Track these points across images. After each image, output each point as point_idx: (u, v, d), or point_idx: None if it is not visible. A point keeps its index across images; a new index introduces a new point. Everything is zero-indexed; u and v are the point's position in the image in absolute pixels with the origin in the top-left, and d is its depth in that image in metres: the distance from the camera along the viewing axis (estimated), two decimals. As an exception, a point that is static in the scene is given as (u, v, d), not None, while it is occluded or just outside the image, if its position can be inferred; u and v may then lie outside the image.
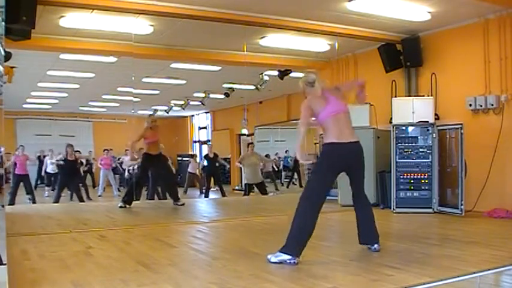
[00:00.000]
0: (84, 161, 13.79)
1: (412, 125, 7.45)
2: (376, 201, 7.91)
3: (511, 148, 6.88)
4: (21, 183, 11.24)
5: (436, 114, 7.65)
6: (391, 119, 7.84)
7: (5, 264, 3.04)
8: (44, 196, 13.57)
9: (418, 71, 8.32)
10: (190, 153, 20.26)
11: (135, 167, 12.22)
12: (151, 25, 7.51)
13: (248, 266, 3.86)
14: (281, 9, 6.96)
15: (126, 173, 14.81)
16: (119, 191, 13.95)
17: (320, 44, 8.81)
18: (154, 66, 10.51)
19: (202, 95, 14.11)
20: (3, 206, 3.53)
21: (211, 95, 14.02)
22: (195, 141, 21.10)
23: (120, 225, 6.27)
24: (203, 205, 9.73)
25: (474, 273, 3.56)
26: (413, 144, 7.37)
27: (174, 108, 16.11)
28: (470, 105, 7.27)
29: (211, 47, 9.08)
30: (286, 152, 15.68)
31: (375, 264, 3.89)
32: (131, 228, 5.98)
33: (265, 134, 15.72)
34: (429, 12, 6.97)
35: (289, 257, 3.86)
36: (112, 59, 9.66)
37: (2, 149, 3.33)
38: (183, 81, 12.26)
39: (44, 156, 14.72)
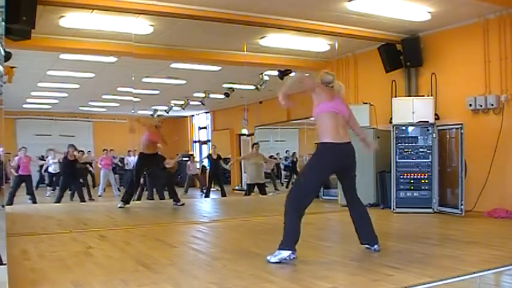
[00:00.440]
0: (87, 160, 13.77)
1: (412, 125, 7.45)
2: (376, 201, 7.91)
3: (511, 148, 6.88)
4: (23, 184, 11.23)
5: (436, 114, 7.65)
6: (391, 119, 7.84)
7: (5, 264, 3.04)
8: (45, 196, 13.58)
9: (418, 71, 8.32)
10: (189, 153, 20.28)
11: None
12: (151, 25, 7.51)
13: (248, 266, 3.86)
14: (281, 9, 6.96)
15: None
16: (119, 191, 13.95)
17: (320, 44, 8.81)
18: (154, 66, 10.51)
19: (202, 95, 14.12)
20: (3, 206, 3.53)
21: (211, 95, 14.02)
22: (195, 141, 21.10)
23: (120, 225, 6.27)
24: (203, 205, 9.73)
25: (474, 273, 3.56)
26: (413, 144, 7.38)
27: (174, 108, 16.12)
28: (470, 105, 7.27)
29: (211, 47, 9.09)
30: (286, 152, 15.69)
31: (375, 264, 3.89)
32: (131, 228, 5.98)
33: (265, 134, 15.71)
34: (429, 12, 6.97)
35: (288, 252, 3.88)
36: (112, 59, 9.66)
37: (1, 149, 3.33)
38: (183, 81, 12.26)
39: (46, 157, 14.71)
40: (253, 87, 11.22)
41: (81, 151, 13.47)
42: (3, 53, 3.39)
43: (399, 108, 7.67)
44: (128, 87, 11.99)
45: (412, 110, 7.50)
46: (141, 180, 10.73)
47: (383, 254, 4.22)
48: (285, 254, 3.89)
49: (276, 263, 3.88)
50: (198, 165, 16.15)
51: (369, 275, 3.55)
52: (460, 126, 6.84)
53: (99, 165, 14.25)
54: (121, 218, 7.26)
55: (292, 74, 10.55)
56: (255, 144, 11.63)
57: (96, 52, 8.90)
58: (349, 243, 4.61)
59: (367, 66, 9.25)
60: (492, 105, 7.02)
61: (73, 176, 11.09)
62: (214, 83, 12.64)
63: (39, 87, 12.66)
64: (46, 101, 15.62)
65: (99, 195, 13.83)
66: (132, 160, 16.02)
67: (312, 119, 4.29)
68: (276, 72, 10.59)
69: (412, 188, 7.30)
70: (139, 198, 8.83)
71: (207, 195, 13.18)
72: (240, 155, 17.18)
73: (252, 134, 15.72)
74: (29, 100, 15.25)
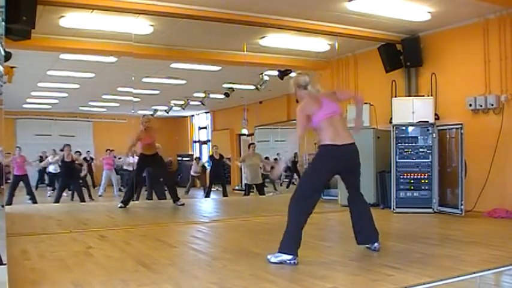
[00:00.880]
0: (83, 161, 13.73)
1: (412, 125, 7.45)
2: (376, 201, 7.91)
3: (511, 148, 6.88)
4: (21, 184, 11.23)
5: (436, 114, 7.65)
6: (391, 119, 7.84)
7: (5, 264, 3.04)
8: (45, 196, 13.58)
9: (418, 71, 8.32)
10: (190, 153, 20.29)
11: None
12: (151, 25, 7.51)
13: (248, 266, 3.86)
14: (281, 9, 6.96)
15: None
16: (120, 191, 13.95)
17: (320, 44, 8.81)
18: (154, 66, 10.51)
19: (202, 95, 14.12)
20: (3, 206, 3.53)
21: (211, 95, 14.02)
22: (195, 141, 21.11)
23: (120, 225, 6.27)
24: (203, 205, 9.73)
25: (474, 273, 3.56)
26: (413, 144, 7.37)
27: (174, 108, 16.12)
28: (470, 105, 7.27)
29: (211, 47, 9.09)
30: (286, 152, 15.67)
31: (375, 264, 3.89)
32: (131, 228, 5.98)
33: (265, 134, 15.72)
34: (429, 12, 6.97)
35: (289, 257, 3.86)
36: (112, 59, 9.66)
37: (1, 149, 3.33)
38: (183, 81, 12.26)
39: (46, 157, 14.71)
40: (253, 87, 11.22)
41: (78, 152, 13.49)
42: (3, 53, 3.39)
43: (399, 108, 7.67)
44: (127, 87, 11.99)
45: (412, 110, 7.50)
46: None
47: (383, 254, 4.22)
48: (286, 257, 3.87)
49: (276, 263, 3.87)
50: (202, 167, 16.16)
51: (369, 275, 3.55)
52: (460, 126, 6.84)
53: (101, 162, 14.25)
54: (121, 218, 7.26)
55: (292, 74, 10.58)
56: (251, 144, 11.63)
57: (96, 52, 8.89)
58: (349, 243, 4.60)
59: (367, 66, 9.25)
60: (492, 105, 7.02)
61: (71, 176, 11.08)
62: (214, 83, 12.64)
63: (39, 87, 12.67)
64: (46, 101, 15.63)
65: (100, 195, 13.84)
66: (132, 160, 16.02)
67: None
68: (276, 72, 10.61)
69: (412, 188, 7.30)
70: (137, 198, 8.83)
71: (207, 195, 13.18)
72: (240, 155, 17.18)
73: (252, 134, 15.73)
74: (29, 100, 15.25)
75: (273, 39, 8.45)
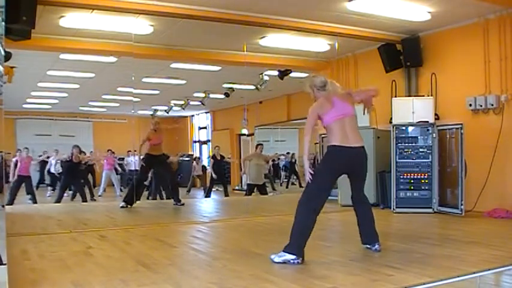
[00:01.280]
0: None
1: (412, 125, 7.45)
2: (376, 201, 7.91)
3: (511, 148, 6.88)
4: (23, 184, 11.23)
5: (436, 114, 7.65)
6: (391, 119, 7.84)
7: (5, 264, 3.04)
8: (45, 196, 13.57)
9: (418, 71, 8.32)
10: (190, 153, 20.27)
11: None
12: (151, 25, 7.51)
13: (248, 266, 3.86)
14: (281, 9, 6.96)
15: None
16: (121, 191, 13.95)
17: (320, 44, 8.81)
18: (154, 66, 10.51)
19: (202, 95, 14.12)
20: (3, 206, 3.53)
21: (211, 95, 14.02)
22: (195, 141, 21.10)
23: (120, 225, 6.27)
24: (203, 205, 9.73)
25: (474, 273, 3.56)
26: (413, 144, 7.38)
27: (174, 108, 16.12)
28: (470, 105, 7.27)
29: (211, 47, 9.08)
30: (287, 153, 15.67)
31: (375, 264, 3.89)
32: (131, 228, 5.98)
33: (265, 134, 15.71)
34: (429, 12, 6.97)
35: (293, 256, 3.87)
36: (112, 59, 9.66)
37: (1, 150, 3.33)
38: (183, 81, 12.26)
39: (48, 157, 14.70)
40: (253, 87, 11.21)
41: (83, 152, 13.48)
42: (3, 53, 3.39)
43: (399, 108, 7.67)
44: (128, 87, 11.98)
45: (412, 110, 7.50)
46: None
47: (383, 254, 4.22)
48: (289, 257, 3.88)
49: (280, 263, 3.87)
50: (203, 168, 16.17)
51: (369, 275, 3.55)
52: (460, 126, 6.84)
53: (103, 164, 14.23)
54: (121, 218, 7.26)
55: (292, 74, 10.58)
56: (259, 144, 11.59)
57: (96, 52, 8.89)
58: (349, 243, 4.61)
59: (367, 66, 9.25)
60: (492, 105, 7.02)
61: (74, 177, 11.08)
62: (214, 83, 12.63)
63: (39, 87, 12.66)
64: (46, 101, 15.62)
65: (99, 195, 13.83)
66: (131, 160, 16.02)
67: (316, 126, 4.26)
68: (276, 72, 10.61)
69: (412, 188, 7.30)
70: (138, 198, 8.83)
71: (207, 195, 13.19)
72: (240, 155, 17.18)
73: (252, 134, 15.73)
74: (29, 100, 15.24)
75: (273, 39, 8.45)
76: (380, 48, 8.49)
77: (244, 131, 15.12)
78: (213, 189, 13.68)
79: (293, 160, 15.52)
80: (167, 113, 16.33)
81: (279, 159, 15.56)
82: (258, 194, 11.27)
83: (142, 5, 6.51)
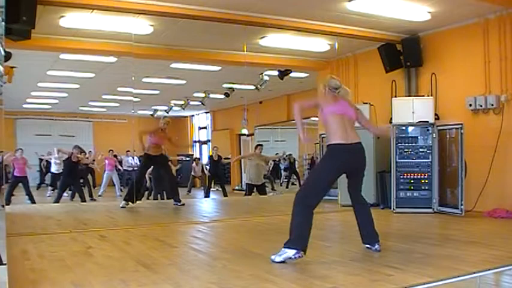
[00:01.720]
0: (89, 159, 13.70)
1: (412, 125, 7.46)
2: (376, 201, 7.91)
3: (511, 148, 6.88)
4: (20, 185, 11.23)
5: (436, 114, 7.64)
6: (391, 119, 7.84)
7: (5, 264, 3.04)
8: (45, 196, 13.58)
9: (418, 71, 8.31)
10: (190, 153, 20.29)
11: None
12: (151, 25, 7.51)
13: (248, 266, 3.86)
14: (281, 9, 6.96)
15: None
16: (121, 191, 13.96)
17: (320, 44, 8.81)
18: (154, 66, 10.52)
19: (202, 95, 14.13)
20: (3, 206, 3.53)
21: (211, 95, 14.03)
22: (195, 141, 21.11)
23: (120, 225, 6.27)
24: (203, 205, 9.73)
25: (474, 273, 3.56)
26: (413, 144, 7.38)
27: (174, 108, 16.13)
28: (470, 105, 7.27)
29: (211, 47, 9.09)
30: (288, 155, 15.68)
31: (375, 264, 3.89)
32: (131, 228, 5.98)
33: (265, 134, 15.72)
34: (429, 12, 6.97)
35: (294, 251, 3.87)
36: (112, 59, 9.66)
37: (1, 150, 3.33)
38: (183, 81, 12.26)
39: (49, 155, 14.69)
40: (253, 87, 11.22)
41: (83, 152, 13.49)
42: (3, 53, 3.39)
43: (399, 108, 7.67)
44: (128, 87, 11.99)
45: (412, 110, 7.50)
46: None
47: (383, 254, 4.22)
48: (290, 253, 3.88)
49: (280, 262, 3.87)
50: (202, 167, 16.18)
51: (369, 275, 3.55)
52: (460, 126, 6.85)
53: (104, 165, 14.22)
54: (121, 218, 7.26)
55: (292, 74, 10.59)
56: (259, 145, 11.58)
57: (96, 52, 8.90)
58: (349, 243, 4.61)
59: (367, 66, 9.25)
60: (492, 105, 7.02)
61: (73, 177, 11.08)
62: (214, 83, 12.64)
63: (39, 87, 12.67)
64: (46, 101, 15.63)
65: (100, 195, 13.84)
66: (130, 160, 16.04)
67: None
68: (276, 72, 10.61)
69: (412, 188, 7.30)
70: (139, 198, 8.84)
71: (206, 195, 13.19)
72: (240, 155, 17.18)
73: (252, 134, 15.73)
74: (29, 100, 15.26)
75: (273, 39, 8.45)
76: (380, 48, 8.49)
77: (244, 131, 15.12)
78: (213, 189, 13.70)
79: (292, 160, 15.54)
80: (167, 113, 16.34)
81: (279, 160, 15.57)
82: (258, 194, 11.28)
83: (142, 5, 6.50)
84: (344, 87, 4.44)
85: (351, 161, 4.19)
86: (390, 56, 8.44)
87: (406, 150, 7.38)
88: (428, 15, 7.06)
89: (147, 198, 11.85)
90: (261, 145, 11.54)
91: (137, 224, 6.43)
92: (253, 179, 11.11)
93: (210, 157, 13.36)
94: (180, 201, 8.48)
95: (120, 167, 15.12)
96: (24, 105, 16.19)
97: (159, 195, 11.38)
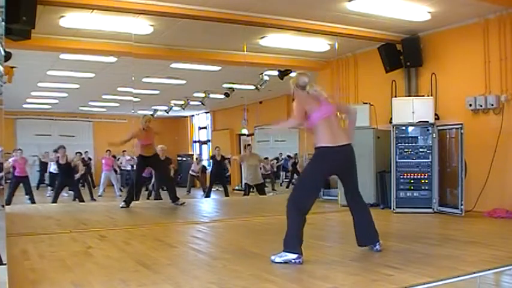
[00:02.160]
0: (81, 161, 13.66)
1: (412, 125, 7.46)
2: (376, 201, 7.91)
3: (511, 148, 6.88)
4: (21, 185, 11.22)
5: (436, 114, 7.65)
6: (391, 119, 7.84)
7: (5, 264, 3.04)
8: (45, 196, 13.57)
9: (418, 71, 8.32)
10: (190, 153, 20.28)
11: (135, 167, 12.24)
12: (151, 25, 7.51)
13: (248, 266, 3.86)
14: (281, 9, 6.96)
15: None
16: (121, 191, 13.95)
17: (320, 44, 8.81)
18: (154, 66, 10.51)
19: (202, 95, 14.11)
20: (3, 206, 3.53)
21: (211, 95, 14.02)
22: (195, 141, 21.10)
23: (120, 225, 6.27)
24: (203, 205, 9.73)
25: (474, 273, 3.56)
26: (413, 144, 7.38)
27: (174, 108, 16.11)
28: (470, 105, 7.27)
29: (211, 47, 9.09)
30: (288, 156, 15.69)
31: (375, 264, 3.89)
32: (131, 228, 5.98)
33: (265, 134, 15.70)
34: (429, 12, 6.97)
35: (294, 256, 3.87)
36: (112, 59, 9.66)
37: (1, 149, 3.32)
38: (183, 81, 12.26)
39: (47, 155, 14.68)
40: (253, 87, 11.21)
41: (79, 152, 13.49)
42: (3, 53, 3.39)
43: (399, 108, 7.67)
44: (128, 87, 11.97)
45: (412, 110, 7.50)
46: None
47: (383, 254, 4.22)
48: (291, 256, 3.88)
49: (281, 263, 3.87)
50: (202, 167, 16.18)
51: (369, 275, 3.55)
52: (460, 126, 6.85)
53: (102, 165, 14.22)
54: (121, 218, 7.26)
55: (292, 74, 10.57)
56: (247, 145, 11.65)
57: (96, 52, 8.89)
58: (349, 243, 4.60)
59: (367, 66, 9.25)
60: (492, 105, 7.02)
61: (69, 177, 11.03)
62: (214, 83, 12.63)
63: (39, 87, 12.66)
64: (46, 101, 15.62)
65: (100, 195, 13.84)
66: (126, 160, 16.04)
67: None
68: (276, 72, 10.60)
69: (412, 188, 7.30)
70: (137, 198, 8.85)
71: (207, 195, 13.19)
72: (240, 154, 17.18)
73: (252, 134, 15.72)
74: (29, 100, 15.24)
75: (273, 39, 8.45)
76: (380, 48, 8.49)
77: (244, 131, 15.10)
78: (213, 189, 13.70)
79: (296, 161, 15.53)
80: (167, 113, 16.33)
81: (283, 159, 15.57)
82: (257, 194, 11.28)
83: (142, 5, 6.51)
84: (314, 86, 4.31)
85: (338, 162, 4.17)
86: (390, 56, 8.44)
87: (406, 150, 7.38)
88: (428, 15, 7.06)
89: (147, 199, 11.85)
90: (249, 145, 11.59)
91: (137, 224, 6.43)
92: (251, 180, 11.13)
93: (213, 157, 13.32)
94: (177, 200, 8.41)
95: (116, 168, 15.10)
96: (24, 105, 16.17)
97: (160, 195, 11.37)
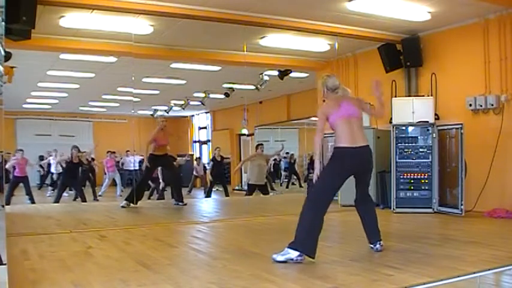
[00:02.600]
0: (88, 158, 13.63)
1: (412, 125, 7.46)
2: (376, 201, 7.89)
3: (511, 148, 6.88)
4: (20, 185, 11.23)
5: (436, 114, 7.65)
6: (391, 119, 7.83)
7: (5, 264, 3.04)
8: (46, 196, 13.58)
9: (418, 71, 8.32)
10: (190, 153, 20.29)
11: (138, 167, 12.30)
12: (151, 25, 7.51)
13: (248, 266, 3.86)
14: (281, 9, 6.96)
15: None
16: (122, 191, 13.95)
17: (320, 44, 8.81)
18: (154, 66, 10.51)
19: (202, 95, 14.12)
20: (3, 206, 3.53)
21: (211, 95, 14.02)
22: (195, 141, 21.10)
23: (120, 225, 6.27)
24: (203, 205, 9.73)
25: (474, 273, 3.56)
26: (413, 144, 7.38)
27: (174, 108, 16.12)
28: (470, 105, 7.27)
29: (211, 47, 9.08)
30: (287, 153, 15.70)
31: (375, 264, 3.89)
32: (131, 228, 5.98)
33: (265, 134, 15.72)
34: (429, 12, 6.97)
35: (297, 253, 3.88)
36: (112, 59, 9.66)
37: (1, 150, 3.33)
38: (183, 81, 12.26)
39: (50, 155, 14.67)
40: (253, 87, 11.22)
41: (84, 152, 13.48)
42: (3, 53, 3.39)
43: (399, 108, 7.67)
44: (128, 87, 11.98)
45: (412, 110, 7.50)
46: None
47: (383, 254, 4.22)
48: (293, 254, 3.89)
49: (281, 262, 3.88)
50: (204, 167, 16.19)
51: (369, 275, 3.55)
52: (460, 126, 6.85)
53: (104, 165, 14.20)
54: (121, 218, 7.26)
55: (292, 74, 10.58)
56: (259, 144, 11.55)
57: (96, 52, 8.89)
58: (349, 243, 4.61)
59: (367, 66, 9.24)
60: (492, 105, 7.02)
61: (73, 177, 11.06)
62: (214, 83, 12.64)
63: (39, 87, 12.66)
64: (46, 101, 15.63)
65: (100, 195, 13.83)
66: (129, 160, 16.03)
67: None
68: (276, 72, 10.61)
69: (412, 188, 7.30)
70: (140, 198, 8.83)
71: (208, 196, 13.20)
72: (240, 155, 17.17)
73: (252, 134, 15.73)
74: (29, 100, 15.25)
75: (273, 39, 8.45)
76: (380, 48, 8.48)
77: (244, 131, 15.12)
78: (214, 189, 13.71)
79: (292, 160, 15.53)
80: (167, 113, 16.34)
81: (280, 160, 15.55)
82: (259, 194, 11.27)
83: (142, 5, 6.50)
84: (344, 88, 4.42)
85: (357, 163, 4.20)
86: (390, 56, 8.44)
87: (406, 150, 7.38)
88: (428, 15, 7.06)
89: (149, 198, 11.85)
90: (262, 144, 11.52)
91: (137, 224, 6.43)
92: (256, 179, 11.08)
93: (213, 158, 13.33)
94: (181, 201, 8.46)
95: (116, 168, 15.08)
96: (24, 105, 16.18)
97: (164, 195, 11.39)
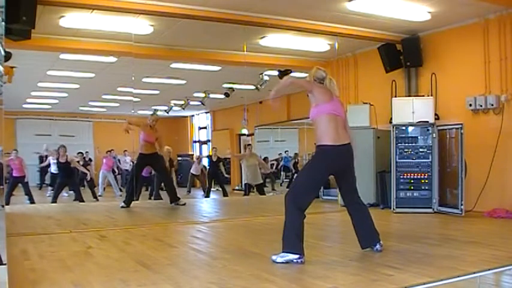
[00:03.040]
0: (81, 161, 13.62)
1: (412, 125, 7.46)
2: (376, 201, 7.91)
3: (511, 148, 6.88)
4: (19, 185, 11.24)
5: (436, 114, 7.65)
6: (391, 119, 7.84)
7: (5, 264, 3.04)
8: (45, 196, 13.57)
9: (418, 71, 8.32)
10: (190, 153, 20.28)
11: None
12: (151, 25, 7.51)
13: (248, 266, 3.86)
14: (281, 9, 6.96)
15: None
16: (121, 190, 13.94)
17: (320, 44, 8.81)
18: (154, 66, 10.51)
19: (202, 95, 14.11)
20: (3, 206, 3.53)
21: (211, 95, 14.01)
22: (195, 141, 21.10)
23: (120, 225, 6.27)
24: (203, 205, 9.73)
25: (474, 273, 3.56)
26: (413, 144, 7.38)
27: (174, 108, 16.11)
28: (470, 105, 7.27)
29: (211, 47, 9.09)
30: (286, 152, 15.71)
31: (375, 264, 3.89)
32: (131, 228, 5.98)
33: (265, 134, 15.72)
34: (429, 12, 6.97)
35: (296, 256, 3.87)
36: (112, 59, 9.65)
37: (1, 149, 3.33)
38: (183, 81, 12.26)
39: (47, 157, 14.66)
40: (253, 87, 11.21)
41: (80, 153, 13.48)
42: (3, 53, 3.39)
43: (399, 108, 7.68)
44: (128, 87, 11.96)
45: (412, 110, 7.50)
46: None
47: (383, 254, 4.22)
48: (292, 257, 3.88)
49: (282, 263, 3.87)
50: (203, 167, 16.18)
51: (369, 275, 3.55)
52: (460, 126, 6.85)
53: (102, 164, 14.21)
54: (121, 218, 7.26)
55: (292, 74, 10.57)
56: (248, 145, 11.68)
57: (96, 52, 8.89)
58: (349, 243, 4.60)
59: (367, 66, 9.25)
60: (492, 105, 7.02)
61: (69, 176, 11.02)
62: (214, 83, 12.63)
63: (39, 87, 12.66)
64: (46, 101, 15.63)
65: (99, 195, 13.83)
66: (124, 160, 16.04)
67: (309, 119, 4.27)
68: (276, 72, 10.59)
69: (412, 188, 7.30)
70: (137, 198, 8.85)
71: (207, 195, 13.20)
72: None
73: (252, 134, 15.72)
74: (29, 100, 15.25)
75: (273, 39, 8.45)
76: (380, 48, 8.49)
77: (244, 131, 15.11)
78: (213, 189, 13.71)
79: (296, 160, 15.51)
80: (167, 113, 16.33)
81: (278, 163, 15.56)
82: (257, 194, 11.29)
83: (142, 5, 6.51)
84: (332, 80, 4.36)
85: (339, 162, 4.16)
86: (390, 56, 8.44)
87: (406, 150, 7.38)
88: (428, 15, 7.06)
89: (149, 199, 11.84)
90: (250, 144, 11.62)
91: (137, 224, 6.43)
92: (250, 179, 11.14)
93: (210, 157, 13.39)
94: (176, 200, 8.40)
95: (115, 169, 15.07)
96: (24, 105, 16.17)
97: (160, 195, 11.37)
